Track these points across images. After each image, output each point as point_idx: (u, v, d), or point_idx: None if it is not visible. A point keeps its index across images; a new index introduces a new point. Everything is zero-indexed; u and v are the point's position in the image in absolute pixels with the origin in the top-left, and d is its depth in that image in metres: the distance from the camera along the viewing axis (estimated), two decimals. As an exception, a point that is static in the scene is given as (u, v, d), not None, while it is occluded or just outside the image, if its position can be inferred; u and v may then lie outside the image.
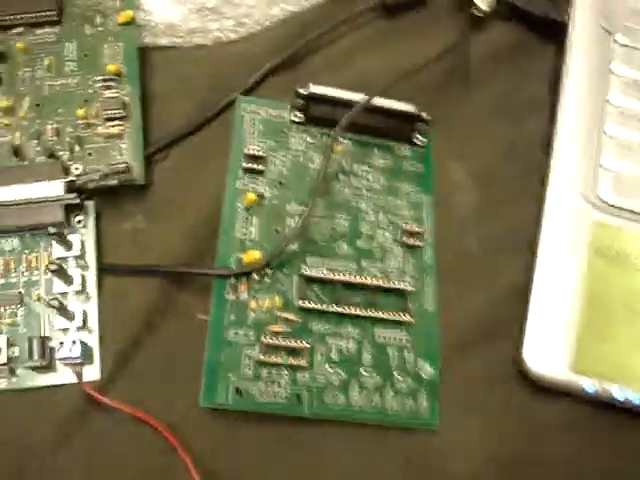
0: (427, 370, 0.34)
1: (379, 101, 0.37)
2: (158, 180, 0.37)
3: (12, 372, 0.33)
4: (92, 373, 0.33)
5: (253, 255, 0.34)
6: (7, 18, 0.37)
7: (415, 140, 0.39)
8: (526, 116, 0.41)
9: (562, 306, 0.35)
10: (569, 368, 0.34)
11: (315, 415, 0.33)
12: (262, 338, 0.33)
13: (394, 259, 0.36)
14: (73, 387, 0.32)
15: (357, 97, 0.37)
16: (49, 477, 0.32)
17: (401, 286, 0.35)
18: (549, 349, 0.34)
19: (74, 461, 0.32)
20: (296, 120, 0.38)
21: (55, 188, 0.34)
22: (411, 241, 0.36)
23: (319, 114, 0.37)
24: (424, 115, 0.38)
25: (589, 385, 0.34)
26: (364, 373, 0.34)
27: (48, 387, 0.33)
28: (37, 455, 0.32)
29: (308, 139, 0.38)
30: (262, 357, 0.32)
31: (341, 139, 0.38)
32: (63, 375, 0.33)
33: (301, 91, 0.37)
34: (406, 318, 0.34)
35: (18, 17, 0.37)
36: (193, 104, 0.39)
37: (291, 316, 0.34)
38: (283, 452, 0.33)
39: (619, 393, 0.34)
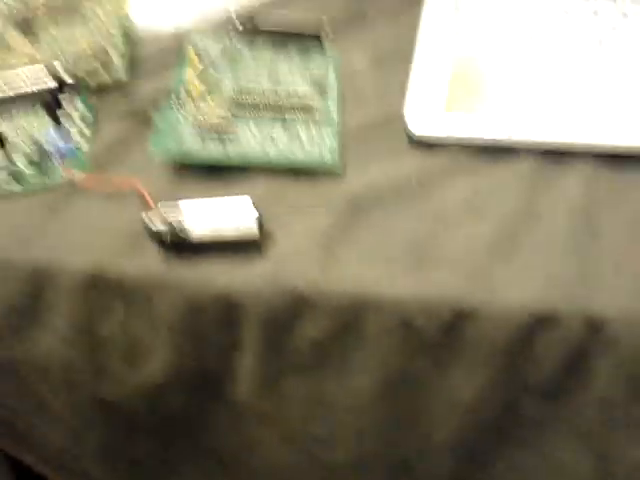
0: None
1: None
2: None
3: (19, 176, 0.45)
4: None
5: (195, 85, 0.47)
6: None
7: (323, 49, 0.53)
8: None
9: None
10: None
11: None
12: (201, 127, 0.44)
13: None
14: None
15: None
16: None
17: (310, 103, 0.47)
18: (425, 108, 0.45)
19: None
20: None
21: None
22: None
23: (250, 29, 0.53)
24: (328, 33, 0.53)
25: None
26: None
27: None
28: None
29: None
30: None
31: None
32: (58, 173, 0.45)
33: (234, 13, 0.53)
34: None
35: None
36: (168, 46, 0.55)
37: (225, 113, 0.46)
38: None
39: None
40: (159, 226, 0.38)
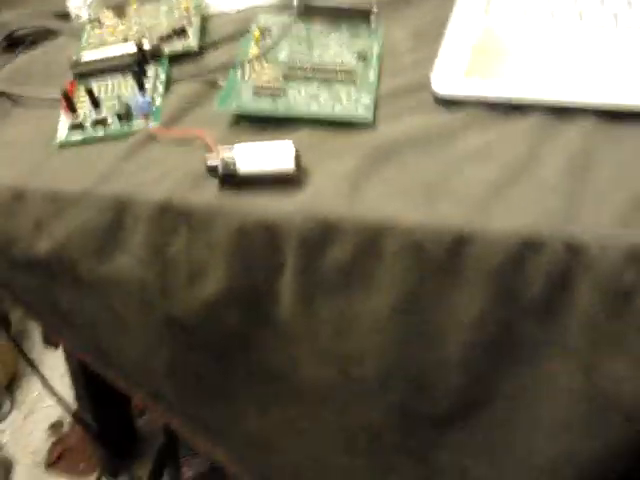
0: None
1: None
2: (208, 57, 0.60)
3: (106, 124, 0.54)
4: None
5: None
6: (130, -2, 0.65)
7: (370, 24, 0.60)
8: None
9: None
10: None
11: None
12: (256, 85, 0.53)
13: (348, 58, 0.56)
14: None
15: None
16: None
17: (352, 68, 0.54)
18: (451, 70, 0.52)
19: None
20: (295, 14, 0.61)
21: (144, 45, 0.58)
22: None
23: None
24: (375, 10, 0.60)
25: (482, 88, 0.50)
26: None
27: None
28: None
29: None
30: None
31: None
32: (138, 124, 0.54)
33: None
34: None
35: (136, -4, 0.65)
36: (233, 30, 0.63)
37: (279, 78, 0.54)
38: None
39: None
40: (215, 162, 0.47)
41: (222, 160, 0.47)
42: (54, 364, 1.12)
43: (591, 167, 0.45)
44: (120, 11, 0.65)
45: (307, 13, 0.61)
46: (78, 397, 0.97)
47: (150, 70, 0.57)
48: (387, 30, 0.60)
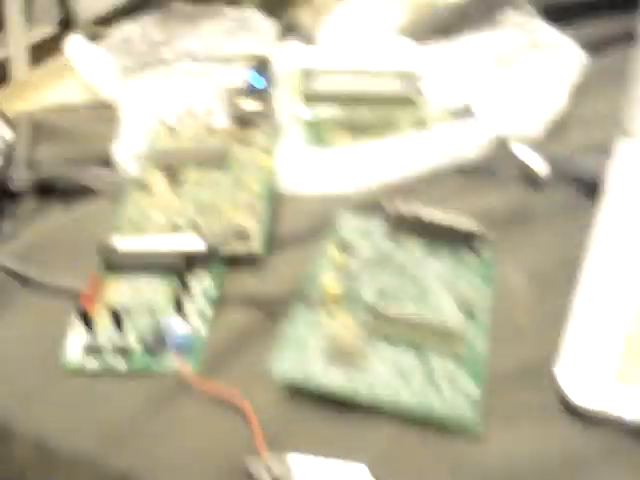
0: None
1: (444, 215, 0.48)
2: (272, 262, 0.48)
3: (129, 356, 0.42)
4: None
5: (331, 288, 0.43)
6: (187, 161, 0.53)
7: (478, 253, 0.48)
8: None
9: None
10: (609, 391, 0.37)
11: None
12: (330, 346, 0.40)
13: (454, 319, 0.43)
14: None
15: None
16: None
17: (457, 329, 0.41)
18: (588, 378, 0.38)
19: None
20: (384, 228, 0.49)
21: (194, 241, 0.46)
22: (472, 309, 0.43)
23: (401, 223, 0.48)
24: (485, 233, 0.48)
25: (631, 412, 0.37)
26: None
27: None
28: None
29: (393, 244, 0.48)
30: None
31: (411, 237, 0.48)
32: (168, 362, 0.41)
33: (389, 206, 0.49)
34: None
35: (194, 161, 0.54)
36: (305, 225, 0.51)
37: (360, 331, 0.41)
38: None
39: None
40: (259, 472, 0.34)
41: (269, 470, 0.34)
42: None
43: None
44: (174, 177, 0.53)
45: (398, 225, 0.49)
46: None
47: (197, 282, 0.45)
48: (498, 262, 0.47)
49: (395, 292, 0.44)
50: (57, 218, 0.52)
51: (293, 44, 0.65)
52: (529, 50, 0.65)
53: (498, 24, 0.67)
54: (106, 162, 0.56)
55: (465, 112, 0.59)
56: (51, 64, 0.73)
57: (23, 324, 0.45)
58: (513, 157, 0.55)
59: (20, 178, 0.55)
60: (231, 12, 0.69)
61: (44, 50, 0.77)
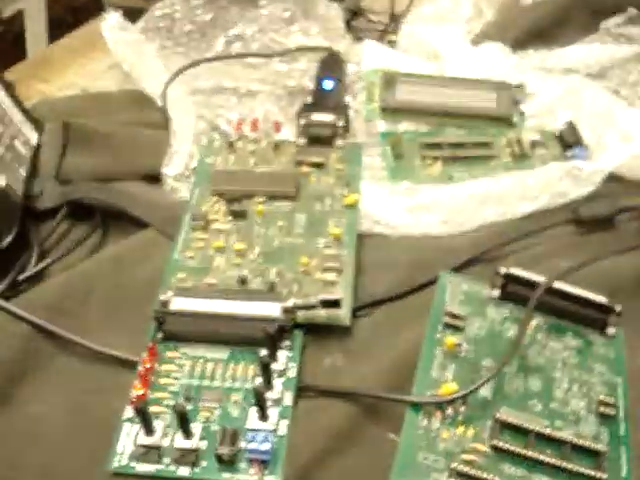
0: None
1: (571, 287, 0.40)
2: (360, 330, 0.40)
3: (196, 461, 0.33)
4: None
5: (449, 388, 0.35)
6: (253, 189, 0.45)
7: (607, 330, 0.40)
8: None
9: None
10: None
11: None
12: (452, 465, 0.32)
13: (588, 426, 0.35)
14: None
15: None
16: None
17: (596, 447, 0.34)
18: None
19: None
20: (494, 295, 0.41)
21: (272, 308, 0.38)
22: (606, 411, 0.36)
23: (516, 291, 0.40)
24: (616, 307, 0.40)
25: None
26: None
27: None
28: None
29: (505, 312, 0.40)
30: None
31: (536, 317, 0.40)
32: (244, 473, 0.33)
33: (501, 270, 0.41)
34: (600, 475, 0.33)
35: (261, 190, 0.45)
36: (397, 278, 0.42)
37: (482, 447, 0.33)
38: None
39: None
40: None
41: None
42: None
43: None
44: (237, 207, 0.44)
45: (514, 295, 0.40)
46: None
47: (274, 360, 0.37)
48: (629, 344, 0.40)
49: (517, 388, 0.36)
50: (95, 256, 0.43)
51: (368, 41, 0.55)
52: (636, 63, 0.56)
53: (603, 33, 0.57)
54: (152, 178, 0.47)
55: (569, 135, 0.50)
56: (77, 35, 0.63)
57: (57, 397, 0.37)
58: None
59: (49, 194, 0.46)
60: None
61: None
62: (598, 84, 0.54)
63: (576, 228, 0.46)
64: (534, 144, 0.50)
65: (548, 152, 0.50)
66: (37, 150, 0.47)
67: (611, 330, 0.40)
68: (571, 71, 0.55)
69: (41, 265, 0.42)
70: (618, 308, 0.40)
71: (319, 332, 0.39)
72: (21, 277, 0.42)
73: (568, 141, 0.50)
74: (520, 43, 0.57)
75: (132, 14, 0.58)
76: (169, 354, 0.37)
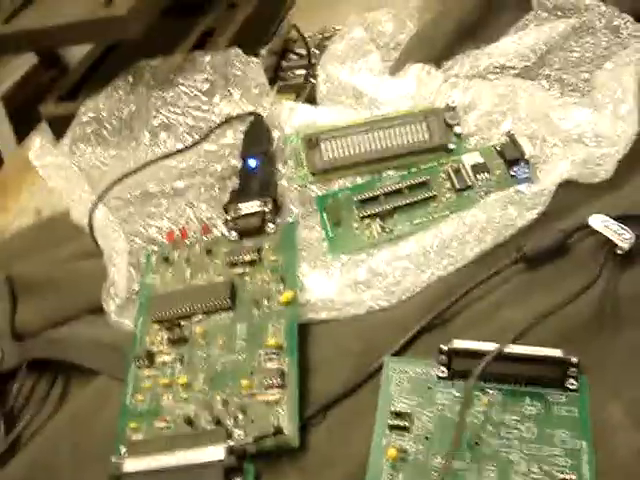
0: None
1: (521, 349, 0.38)
2: (313, 441, 0.39)
3: None
4: None
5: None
6: (190, 309, 0.44)
7: (567, 385, 0.38)
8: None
9: None
10: None
11: None
12: None
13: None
14: None
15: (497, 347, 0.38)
16: None
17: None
18: None
19: None
20: (441, 375, 0.39)
21: (217, 453, 0.38)
22: (569, 491, 0.34)
23: (462, 368, 0.38)
24: (572, 359, 0.37)
25: None
26: None
27: None
28: None
29: (454, 393, 0.38)
30: None
31: (488, 390, 0.38)
32: None
33: (443, 347, 0.39)
34: None
35: (198, 306, 0.44)
36: (348, 370, 0.41)
37: None
38: None
39: None
40: None
41: None
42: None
43: None
44: (177, 333, 0.43)
45: (462, 372, 0.39)
46: None
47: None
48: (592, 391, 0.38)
49: (472, 483, 0.35)
50: (55, 418, 0.44)
51: (287, 103, 0.53)
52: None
53: (539, 8, 0.53)
54: (99, 311, 0.47)
55: (510, 150, 0.47)
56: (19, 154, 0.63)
57: None
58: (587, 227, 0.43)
59: (9, 354, 0.47)
60: (207, 57, 0.56)
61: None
62: (536, 77, 0.51)
63: (524, 266, 0.43)
64: (475, 169, 0.47)
65: (491, 174, 0.47)
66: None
67: (571, 383, 0.38)
68: (506, 68, 0.51)
69: (11, 437, 0.44)
70: (574, 360, 0.38)
71: (271, 457, 0.39)
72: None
73: (510, 157, 0.47)
74: (450, 47, 0.53)
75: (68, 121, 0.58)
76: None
